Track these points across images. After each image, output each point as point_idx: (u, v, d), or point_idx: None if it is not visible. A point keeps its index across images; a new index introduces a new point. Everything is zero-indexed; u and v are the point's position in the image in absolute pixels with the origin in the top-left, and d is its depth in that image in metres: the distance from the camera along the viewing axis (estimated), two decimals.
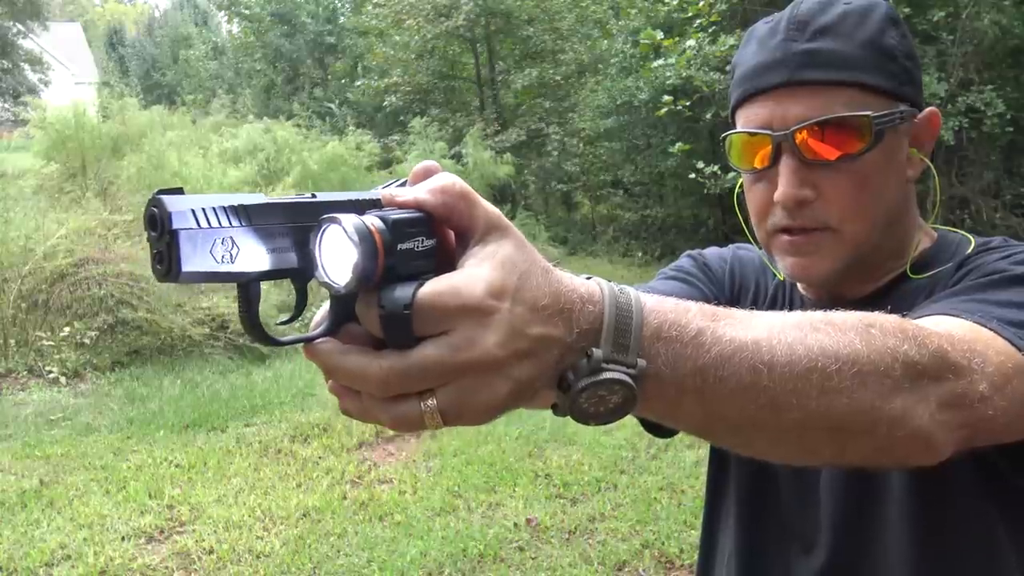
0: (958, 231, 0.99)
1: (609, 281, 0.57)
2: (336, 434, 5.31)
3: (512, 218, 14.44)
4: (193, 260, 0.49)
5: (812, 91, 0.88)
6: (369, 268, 0.50)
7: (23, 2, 29.32)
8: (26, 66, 31.45)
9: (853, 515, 0.93)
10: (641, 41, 9.72)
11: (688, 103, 9.09)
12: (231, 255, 0.50)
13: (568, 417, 0.56)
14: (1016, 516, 0.86)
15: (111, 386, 6.57)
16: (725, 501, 1.08)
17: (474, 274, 0.51)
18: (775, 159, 0.90)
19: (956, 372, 0.65)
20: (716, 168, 8.40)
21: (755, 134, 0.92)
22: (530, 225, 14.25)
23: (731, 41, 8.17)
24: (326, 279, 0.52)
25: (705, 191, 9.57)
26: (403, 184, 0.58)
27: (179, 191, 0.50)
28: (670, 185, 15.80)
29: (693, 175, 8.97)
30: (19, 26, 30.90)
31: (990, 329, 0.72)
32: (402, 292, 0.50)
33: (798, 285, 1.04)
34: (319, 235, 0.52)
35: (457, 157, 14.44)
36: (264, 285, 0.56)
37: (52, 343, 6.85)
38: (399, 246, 0.51)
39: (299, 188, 10.84)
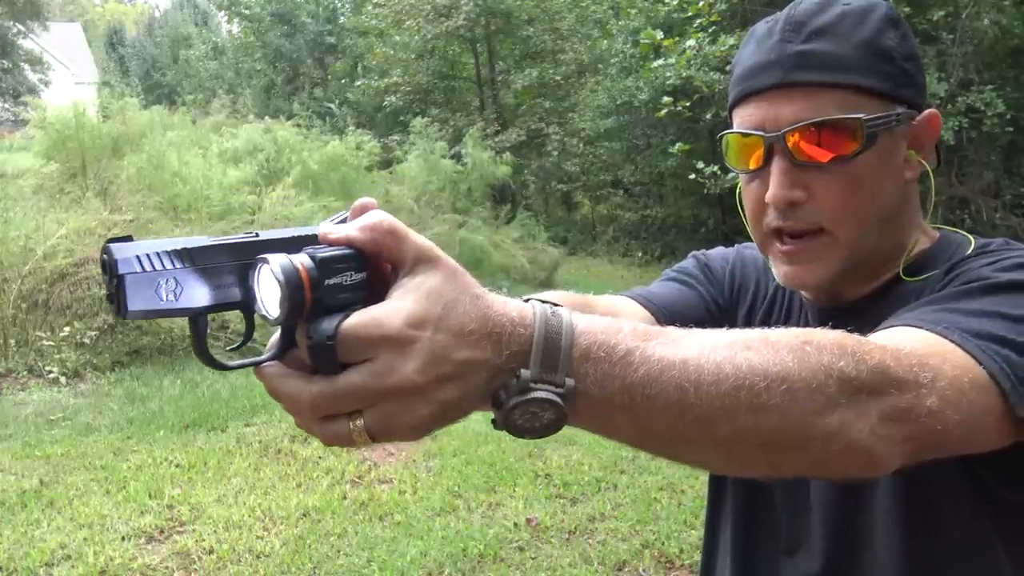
0: (960, 232, 0.98)
1: (545, 303, 0.60)
2: None
3: (512, 218, 14.45)
4: (138, 300, 0.55)
5: (805, 92, 0.88)
6: (296, 302, 0.55)
7: (23, 2, 29.31)
8: (26, 66, 31.45)
9: (843, 521, 0.93)
10: (641, 41, 9.72)
11: (688, 103, 9.09)
12: (175, 294, 0.56)
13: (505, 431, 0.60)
14: (1005, 522, 0.86)
15: (111, 386, 6.57)
16: (723, 505, 1.08)
17: (396, 305, 0.55)
18: (767, 160, 0.90)
19: (899, 387, 0.65)
20: (716, 168, 8.40)
21: (748, 135, 0.92)
22: (530, 225, 14.23)
23: (731, 41, 8.17)
24: (263, 312, 0.58)
25: (705, 191, 9.57)
26: (344, 219, 0.62)
27: (128, 239, 0.56)
28: (670, 185, 15.82)
29: (693, 175, 8.98)
30: (19, 26, 30.89)
31: (951, 341, 0.72)
32: (327, 324, 0.55)
33: None
34: (255, 273, 0.57)
35: (457, 157, 14.43)
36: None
37: (52, 343, 6.85)
38: (326, 281, 0.56)
39: (299, 188, 10.84)
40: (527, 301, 0.60)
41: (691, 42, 8.65)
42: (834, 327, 0.78)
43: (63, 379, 6.60)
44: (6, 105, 29.04)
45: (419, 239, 0.57)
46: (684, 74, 8.93)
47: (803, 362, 0.61)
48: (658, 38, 8.76)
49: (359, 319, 0.54)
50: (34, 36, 32.57)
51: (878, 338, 0.71)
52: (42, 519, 4.09)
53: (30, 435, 5.39)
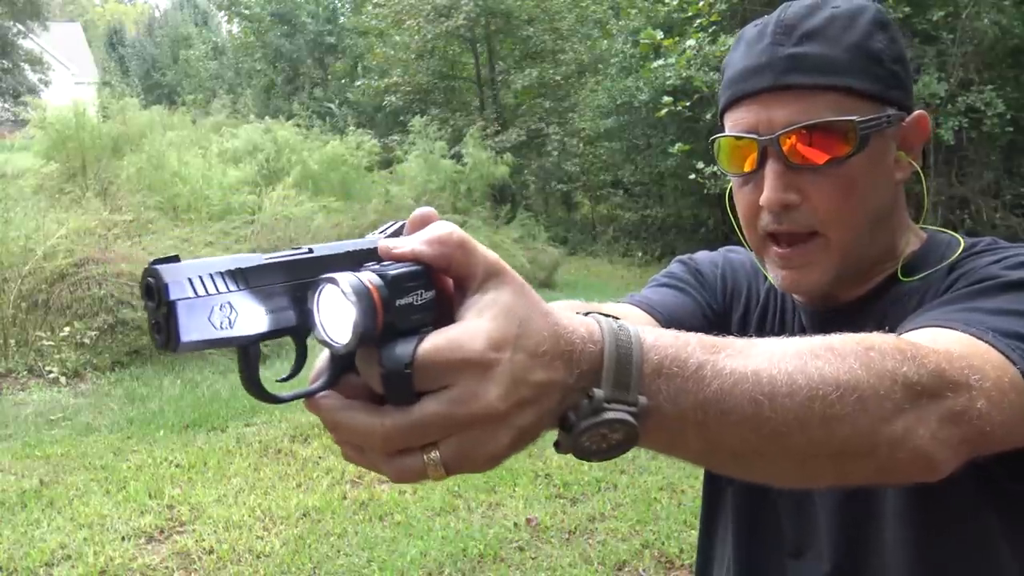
0: (947, 232, 0.99)
1: (607, 317, 0.57)
2: None
3: (512, 218, 14.46)
4: (192, 329, 0.49)
5: (798, 95, 0.88)
6: (368, 327, 0.49)
7: (23, 2, 29.32)
8: (26, 66, 31.46)
9: (849, 520, 0.93)
10: (641, 41, 9.73)
11: (688, 103, 9.10)
12: (230, 320, 0.50)
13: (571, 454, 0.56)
14: (1013, 518, 0.86)
15: (111, 386, 6.57)
16: (722, 509, 1.08)
17: (474, 326, 0.50)
18: (761, 163, 0.90)
19: (955, 389, 0.65)
20: (716, 168, 8.39)
21: (741, 138, 0.92)
22: (530, 225, 14.23)
23: (731, 41, 8.13)
24: (325, 339, 0.51)
25: (705, 191, 9.59)
26: (400, 228, 0.58)
27: (175, 259, 0.50)
28: (670, 185, 15.82)
29: (693, 175, 8.99)
30: (19, 26, 30.91)
31: (985, 342, 0.72)
32: (402, 350, 0.50)
33: None
34: (316, 295, 0.51)
35: (457, 157, 14.43)
36: None
37: (52, 343, 6.85)
38: (398, 302, 0.51)
39: (299, 188, 10.85)
40: (588, 315, 0.57)
41: (691, 42, 8.65)
42: (829, 329, 0.78)
43: (63, 379, 6.60)
44: (6, 105, 29.06)
45: (487, 252, 0.53)
46: (684, 74, 8.93)
47: (870, 369, 0.61)
48: (658, 38, 8.77)
49: (437, 343, 0.49)
50: (34, 36, 32.58)
51: (917, 339, 0.71)
52: (42, 519, 4.10)
53: (30, 435, 5.39)
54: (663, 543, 3.77)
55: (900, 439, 0.61)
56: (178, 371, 6.93)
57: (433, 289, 0.53)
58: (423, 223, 0.55)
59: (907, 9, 7.93)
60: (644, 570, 3.59)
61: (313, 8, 25.43)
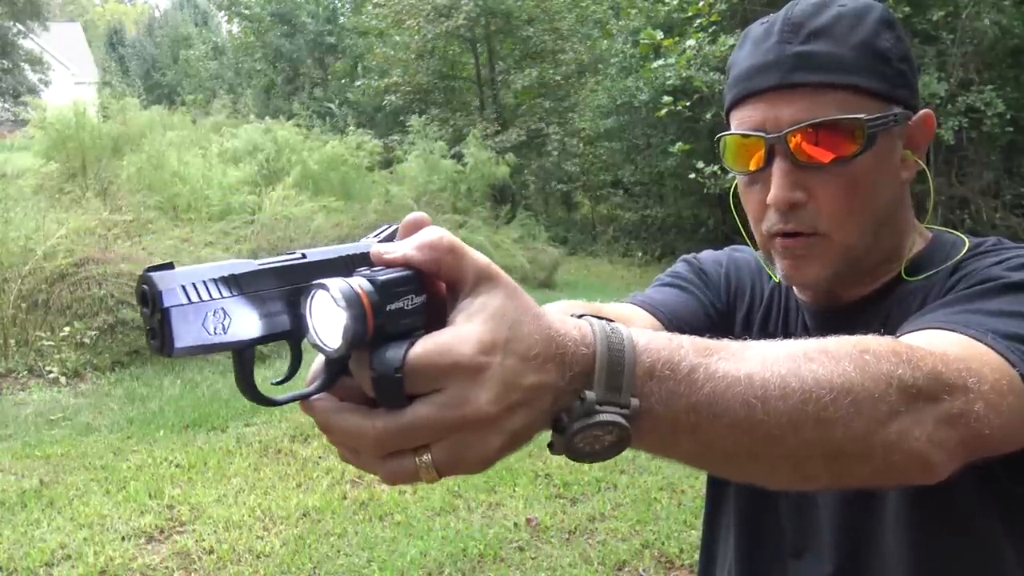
0: (953, 232, 0.99)
1: (601, 319, 0.57)
2: None
3: (512, 218, 14.44)
4: (185, 335, 0.50)
5: (805, 93, 0.88)
6: (359, 331, 0.50)
7: (23, 2, 29.33)
8: (26, 66, 31.46)
9: (850, 520, 0.93)
10: (641, 41, 9.73)
11: (688, 103, 9.10)
12: (223, 326, 0.51)
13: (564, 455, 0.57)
14: (1014, 519, 0.86)
15: (111, 386, 6.57)
16: (725, 507, 1.08)
17: (464, 331, 0.51)
18: (768, 161, 0.90)
19: (951, 392, 0.65)
20: (716, 168, 8.40)
21: (748, 136, 0.91)
22: (530, 225, 14.23)
23: (731, 41, 8.17)
24: (318, 343, 0.53)
25: (705, 191, 9.58)
26: (394, 232, 0.59)
27: (169, 266, 0.51)
28: (670, 185, 15.83)
29: (693, 175, 8.98)
30: (19, 26, 30.91)
31: (985, 344, 0.72)
32: (392, 354, 0.50)
33: (794, 288, 1.04)
34: (308, 300, 0.52)
35: (457, 157, 14.43)
36: None
37: (52, 343, 6.85)
38: (388, 306, 0.51)
39: (299, 188, 10.84)
40: (581, 318, 0.57)
41: (691, 42, 8.65)
42: (833, 328, 0.78)
43: (63, 379, 6.60)
44: (6, 105, 29.06)
45: (478, 256, 0.54)
46: (684, 74, 8.93)
47: (864, 372, 0.61)
48: (658, 38, 8.76)
49: (427, 347, 0.50)
50: (34, 36, 32.58)
51: (915, 341, 0.70)
52: (42, 519, 4.10)
53: (30, 435, 5.39)
54: (663, 543, 3.77)
55: (895, 442, 0.61)
56: (178, 371, 6.94)
57: (424, 294, 0.54)
58: (415, 228, 0.56)
59: (907, 9, 7.93)
60: (644, 570, 3.59)
61: (313, 8, 25.43)
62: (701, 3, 8.54)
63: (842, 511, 0.93)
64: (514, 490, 4.43)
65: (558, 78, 18.51)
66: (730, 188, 1.02)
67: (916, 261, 0.95)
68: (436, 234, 0.54)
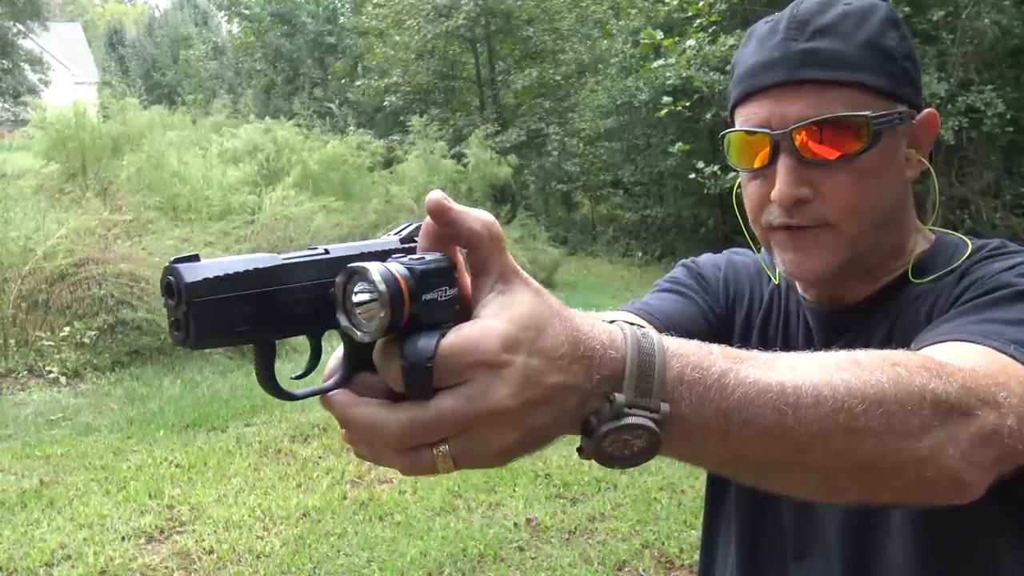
0: (955, 233, 0.98)
1: (632, 325, 0.57)
2: (336, 434, 5.29)
3: (512, 218, 14.46)
4: (210, 328, 0.50)
5: (811, 90, 0.88)
6: (396, 317, 0.50)
7: (23, 2, 29.33)
8: (26, 66, 31.47)
9: (855, 523, 0.92)
10: (641, 41, 9.72)
11: (688, 103, 9.09)
12: (247, 319, 0.51)
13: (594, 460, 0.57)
14: (1018, 520, 0.86)
15: (111, 386, 6.57)
16: (725, 509, 1.07)
17: (490, 325, 0.51)
18: (773, 158, 0.90)
19: (984, 407, 0.64)
20: (716, 168, 8.40)
21: (754, 133, 0.91)
22: (530, 225, 14.23)
23: (731, 41, 8.17)
24: (349, 327, 0.53)
25: (705, 191, 9.57)
26: (416, 229, 0.58)
27: (195, 258, 0.51)
28: (670, 185, 15.82)
29: (693, 175, 8.97)
30: (19, 26, 30.92)
31: (1008, 355, 0.71)
32: (425, 344, 0.50)
33: (795, 289, 1.03)
34: (343, 284, 0.53)
35: (458, 157, 14.43)
36: None
37: (52, 343, 6.85)
38: (424, 296, 0.52)
39: (299, 188, 10.84)
40: (612, 323, 0.57)
41: (691, 42, 8.65)
42: (836, 330, 0.77)
43: (63, 379, 6.60)
44: (6, 105, 29.06)
45: (510, 255, 0.54)
46: (684, 74, 8.93)
47: (897, 384, 0.60)
48: (658, 38, 8.76)
49: (456, 340, 0.51)
50: (34, 36, 32.59)
51: (940, 355, 0.70)
52: (42, 519, 4.09)
53: (30, 435, 5.39)
54: (663, 543, 3.77)
55: (927, 457, 0.60)
56: (178, 371, 6.93)
57: (456, 287, 0.54)
58: (436, 205, 0.55)
59: (907, 9, 7.93)
60: (644, 570, 3.59)
61: (313, 8, 25.43)
62: (701, 3, 8.53)
63: (846, 515, 0.92)
64: (514, 490, 4.43)
65: (558, 78, 18.51)
66: (730, 188, 1.02)
67: (920, 262, 0.94)
68: (491, 216, 0.54)
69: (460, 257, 0.56)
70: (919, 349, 0.75)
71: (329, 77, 25.72)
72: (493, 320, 0.52)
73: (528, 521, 4.05)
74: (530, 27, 18.69)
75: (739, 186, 0.99)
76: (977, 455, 0.63)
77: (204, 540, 3.87)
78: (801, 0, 0.92)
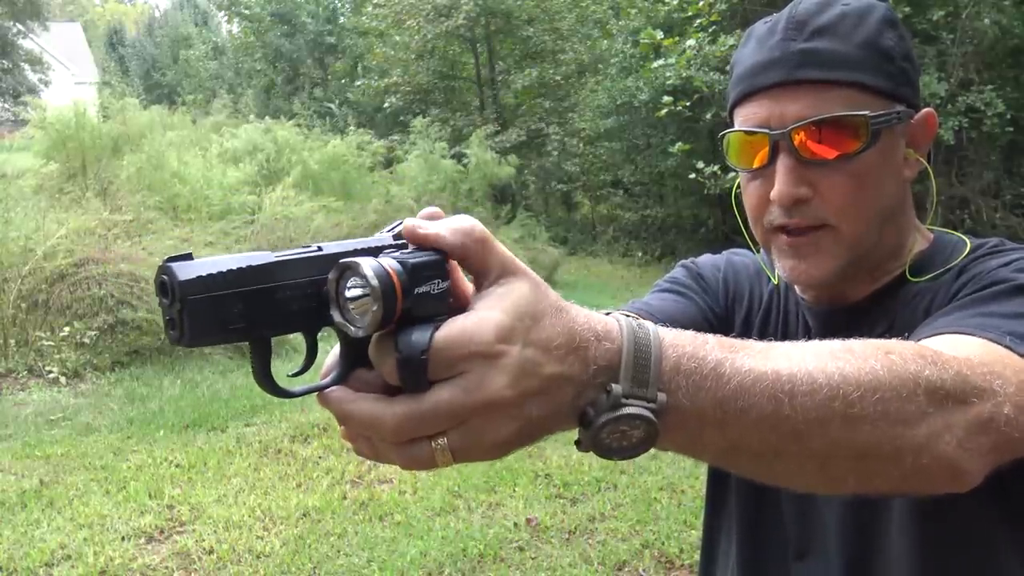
0: (954, 233, 0.99)
1: (628, 317, 0.57)
2: (336, 434, 5.29)
3: (512, 218, 14.45)
4: (204, 326, 0.50)
5: (809, 90, 0.88)
6: (388, 311, 0.51)
7: (23, 2, 29.33)
8: (26, 66, 31.46)
9: (856, 521, 0.92)
10: (641, 41, 9.72)
11: (688, 103, 9.10)
12: (241, 316, 0.52)
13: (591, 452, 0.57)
14: (1017, 517, 0.86)
15: (111, 386, 6.57)
16: (726, 509, 1.07)
17: (484, 317, 0.52)
18: (772, 158, 0.90)
19: (979, 395, 0.64)
20: (716, 168, 8.40)
21: (753, 133, 0.91)
22: (530, 225, 14.23)
23: (731, 41, 8.17)
24: (343, 322, 0.53)
25: (705, 191, 9.57)
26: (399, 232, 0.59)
27: (188, 257, 0.52)
28: (670, 185, 15.83)
29: (693, 175, 8.97)
30: (19, 26, 30.91)
31: (1003, 346, 0.72)
32: (419, 337, 0.51)
33: (795, 289, 1.03)
34: (336, 280, 0.53)
35: (458, 157, 14.43)
36: None
37: (52, 343, 6.85)
38: (416, 290, 0.52)
39: (299, 188, 10.84)
40: (608, 315, 0.57)
41: (691, 42, 8.65)
42: (836, 329, 0.77)
43: (63, 379, 6.60)
44: (6, 105, 29.05)
45: (504, 251, 0.55)
46: (684, 74, 8.93)
47: (892, 371, 0.60)
48: (658, 38, 8.76)
49: (450, 331, 0.51)
50: (34, 36, 32.58)
51: (935, 345, 0.70)
52: (42, 519, 4.09)
53: (30, 435, 5.39)
54: (663, 543, 3.77)
55: (923, 444, 0.61)
56: (178, 371, 6.93)
57: (448, 280, 0.54)
58: (409, 234, 0.56)
59: (907, 9, 7.93)
60: (644, 570, 3.59)
61: (313, 8, 25.43)
62: (701, 3, 8.54)
63: (847, 512, 0.92)
64: (514, 490, 4.43)
65: (558, 78, 18.51)
66: (730, 188, 1.02)
67: (919, 261, 0.95)
68: (469, 222, 0.54)
69: None
70: (918, 341, 0.75)
71: (329, 77, 25.72)
72: (489, 311, 0.52)
73: (528, 521, 4.05)
74: (530, 27, 18.69)
75: (739, 186, 0.99)
76: (973, 443, 0.63)
77: (204, 540, 3.87)
78: (799, 0, 0.92)
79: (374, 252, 0.56)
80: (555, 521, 4.05)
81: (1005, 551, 0.87)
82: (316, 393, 0.56)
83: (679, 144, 9.77)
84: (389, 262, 0.52)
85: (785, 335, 1.04)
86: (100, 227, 7.86)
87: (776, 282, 1.06)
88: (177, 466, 4.84)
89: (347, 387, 0.55)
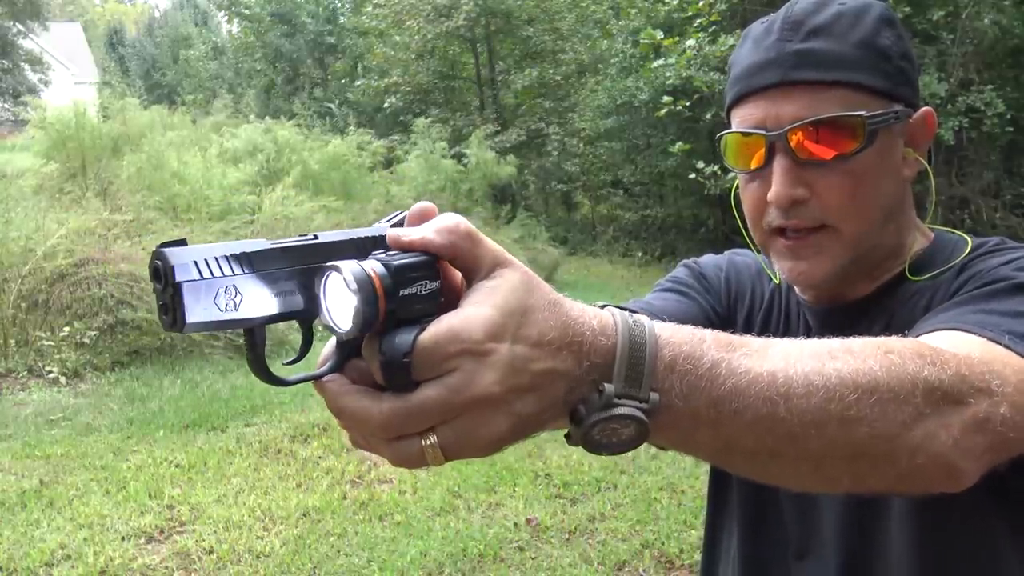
0: (955, 232, 0.98)
1: (623, 310, 0.57)
2: (336, 434, 5.31)
3: (512, 218, 14.45)
4: (197, 311, 0.50)
5: (806, 91, 0.88)
6: (369, 315, 0.50)
7: (23, 2, 29.32)
8: (26, 66, 31.44)
9: (855, 521, 0.92)
10: (641, 41, 9.73)
11: (688, 103, 9.10)
12: (235, 303, 0.51)
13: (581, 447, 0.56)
14: (1016, 516, 0.86)
15: (111, 386, 6.57)
16: (727, 508, 1.07)
17: (473, 314, 0.51)
18: (769, 159, 0.90)
19: (977, 395, 0.64)
20: (716, 168, 8.40)
21: (749, 134, 0.91)
22: (530, 225, 14.23)
23: (731, 41, 8.17)
24: (330, 324, 0.53)
25: (705, 191, 9.57)
26: (399, 221, 0.58)
27: (182, 242, 0.51)
28: (670, 185, 15.83)
29: (693, 175, 8.98)
30: (19, 26, 30.89)
31: (1002, 345, 0.71)
32: (402, 340, 0.51)
33: (795, 288, 1.03)
34: (322, 282, 0.53)
35: (458, 157, 14.43)
36: None
37: (52, 343, 6.85)
38: (401, 291, 0.52)
39: (299, 188, 10.84)
40: (604, 308, 0.57)
41: (691, 42, 8.65)
42: (836, 328, 0.77)
43: (63, 379, 6.60)
44: (6, 105, 29.04)
45: (493, 245, 0.54)
46: (684, 74, 8.93)
47: (890, 372, 0.60)
48: (658, 38, 8.76)
49: (435, 331, 0.50)
50: (34, 36, 32.56)
51: (935, 343, 0.70)
52: (42, 519, 4.09)
53: (30, 435, 5.39)
54: (663, 543, 3.77)
55: (920, 444, 0.60)
56: (178, 371, 6.93)
57: (438, 280, 0.54)
58: (423, 217, 0.56)
59: (907, 9, 7.93)
60: (644, 570, 3.59)
61: (313, 8, 25.43)
62: (701, 3, 8.54)
63: (847, 511, 0.92)
64: (514, 490, 4.43)
65: (558, 78, 18.52)
66: (730, 188, 1.02)
67: (919, 260, 0.94)
68: (453, 220, 0.54)
69: None
70: (917, 338, 0.74)
71: (329, 77, 25.72)
72: (477, 308, 0.51)
73: (528, 521, 4.05)
74: (530, 27, 18.70)
75: (738, 187, 0.99)
76: (969, 442, 0.63)
77: (204, 540, 3.87)
78: (796, 0, 0.92)
79: (370, 244, 0.56)
80: (555, 521, 4.05)
81: (1004, 549, 0.87)
82: (313, 382, 0.55)
83: (679, 144, 9.77)
84: (372, 265, 0.52)
85: (786, 334, 1.03)
86: (100, 227, 7.86)
87: (777, 281, 1.06)
88: (177, 466, 4.84)
89: (343, 376, 0.55)
